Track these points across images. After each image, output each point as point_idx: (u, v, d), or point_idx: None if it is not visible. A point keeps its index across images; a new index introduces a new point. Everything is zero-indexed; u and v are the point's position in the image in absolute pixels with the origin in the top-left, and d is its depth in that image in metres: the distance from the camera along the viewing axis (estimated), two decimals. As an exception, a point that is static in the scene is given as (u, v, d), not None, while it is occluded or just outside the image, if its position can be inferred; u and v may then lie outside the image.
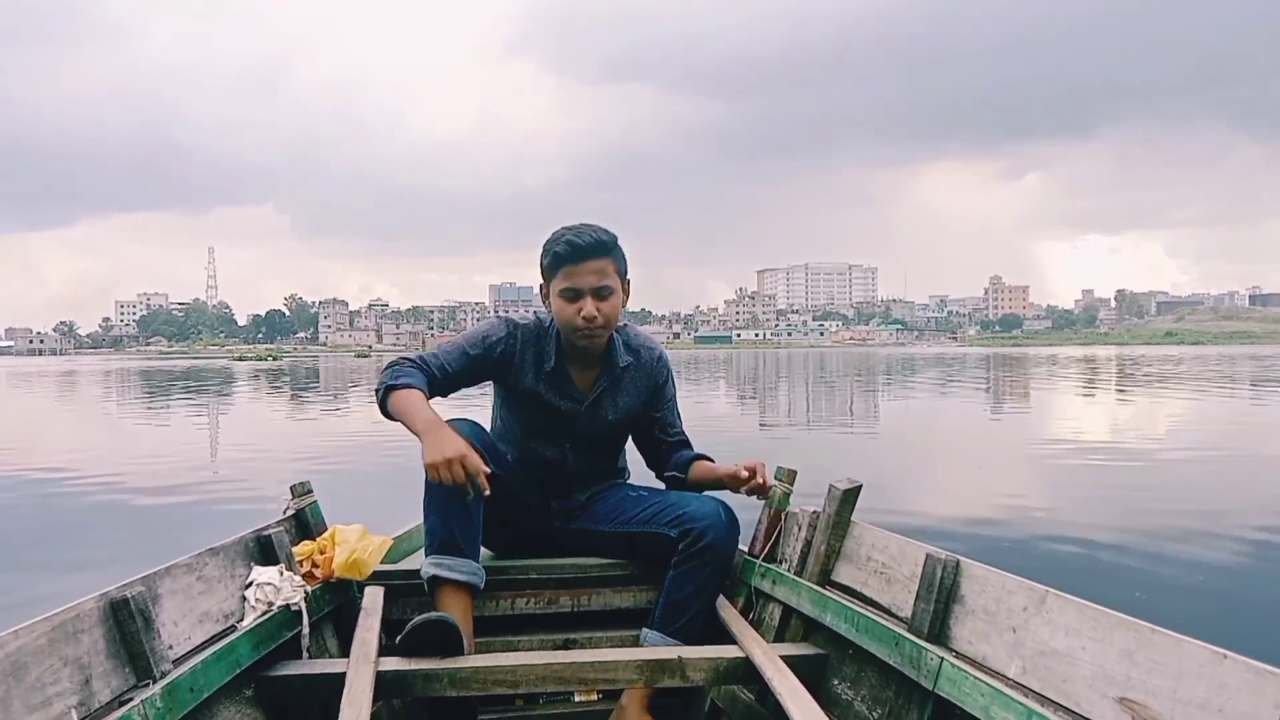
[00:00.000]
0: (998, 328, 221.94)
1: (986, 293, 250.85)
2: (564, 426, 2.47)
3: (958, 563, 1.81)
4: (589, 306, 2.28)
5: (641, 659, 2.02)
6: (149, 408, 19.45)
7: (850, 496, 2.22)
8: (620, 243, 2.37)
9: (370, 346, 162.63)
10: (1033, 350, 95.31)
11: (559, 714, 2.43)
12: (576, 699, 2.47)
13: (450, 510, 2.18)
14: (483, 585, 2.24)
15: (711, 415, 15.25)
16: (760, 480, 2.34)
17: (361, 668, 1.87)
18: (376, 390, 2.26)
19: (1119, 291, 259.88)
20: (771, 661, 1.94)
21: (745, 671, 2.03)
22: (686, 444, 2.64)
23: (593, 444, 2.52)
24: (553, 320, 2.45)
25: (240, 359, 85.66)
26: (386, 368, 2.30)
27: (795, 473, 2.50)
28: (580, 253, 2.27)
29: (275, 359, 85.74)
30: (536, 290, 2.50)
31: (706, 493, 2.47)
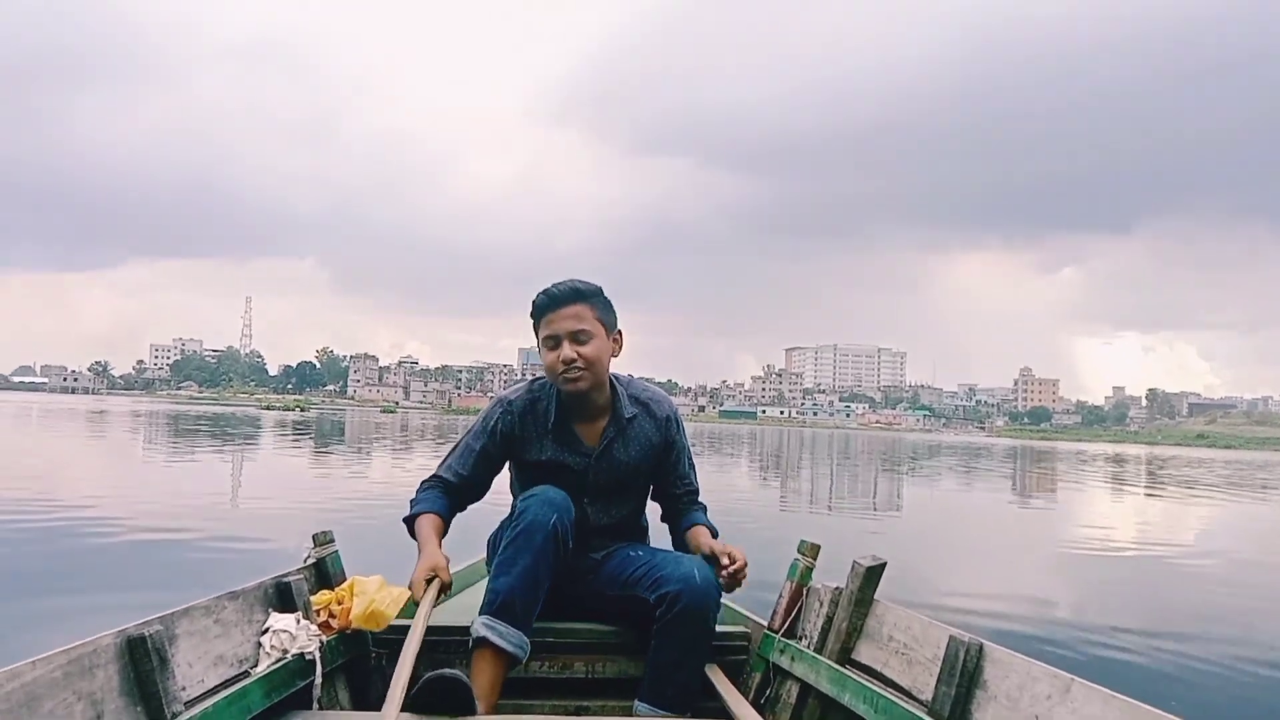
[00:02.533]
0: (1026, 420, 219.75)
1: (1016, 384, 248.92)
2: (576, 481, 2.47)
3: (981, 646, 1.78)
4: (567, 350, 2.36)
5: None
6: (177, 452, 19.60)
7: (874, 574, 2.19)
8: (607, 294, 2.48)
9: (397, 403, 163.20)
10: (1062, 445, 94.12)
11: None
12: None
13: (524, 577, 2.18)
14: (525, 659, 2.20)
15: (734, 489, 15.15)
16: (730, 573, 2.31)
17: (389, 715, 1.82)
18: (405, 520, 2.50)
19: (1150, 390, 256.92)
20: None
21: None
22: (695, 496, 2.64)
23: (608, 497, 2.51)
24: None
25: (268, 408, 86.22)
26: (417, 491, 2.54)
27: (819, 547, 2.48)
28: (555, 301, 2.39)
29: (303, 409, 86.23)
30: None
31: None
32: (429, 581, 2.26)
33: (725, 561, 2.32)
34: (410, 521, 2.48)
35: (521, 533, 2.23)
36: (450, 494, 2.53)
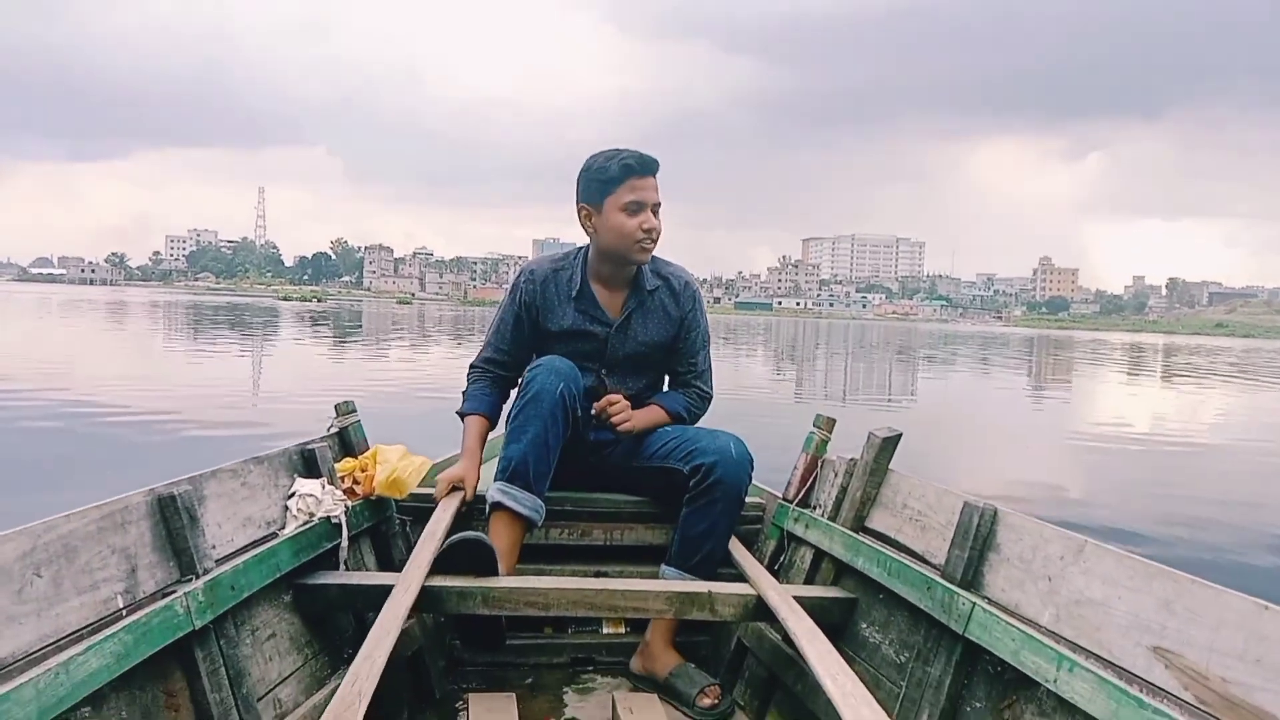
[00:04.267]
0: (1044, 309, 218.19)
1: (1035, 273, 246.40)
2: (595, 350, 2.47)
3: (995, 511, 1.80)
4: (651, 219, 2.33)
5: (672, 590, 2.03)
6: (201, 340, 19.79)
7: (889, 445, 2.20)
8: None
9: (413, 294, 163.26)
10: (1079, 334, 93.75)
11: (586, 643, 2.46)
12: (604, 630, 2.49)
13: (534, 444, 2.21)
14: (540, 523, 2.25)
15: (750, 379, 15.22)
16: (600, 406, 2.38)
17: (412, 574, 1.86)
18: (459, 413, 2.52)
19: (1171, 279, 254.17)
20: (786, 602, 1.93)
21: None
22: (700, 381, 2.60)
23: (626, 369, 2.50)
24: (581, 250, 2.50)
25: (285, 299, 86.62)
26: (468, 379, 2.56)
27: (834, 420, 2.48)
28: (647, 166, 2.33)
29: (320, 300, 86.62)
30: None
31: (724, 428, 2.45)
32: (454, 490, 2.30)
33: (603, 404, 2.38)
34: (463, 417, 2.51)
35: (529, 401, 2.24)
36: (497, 381, 2.53)
